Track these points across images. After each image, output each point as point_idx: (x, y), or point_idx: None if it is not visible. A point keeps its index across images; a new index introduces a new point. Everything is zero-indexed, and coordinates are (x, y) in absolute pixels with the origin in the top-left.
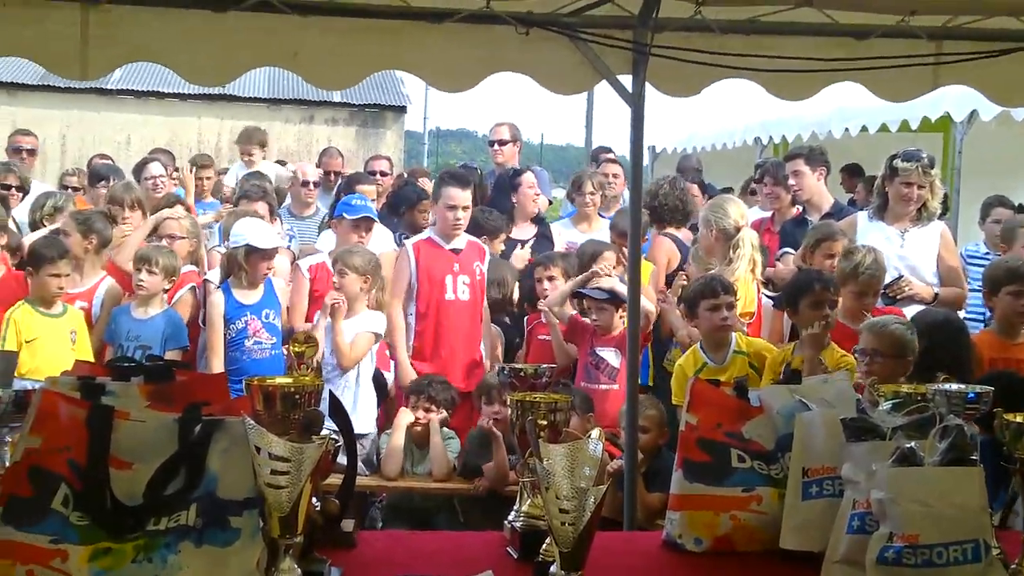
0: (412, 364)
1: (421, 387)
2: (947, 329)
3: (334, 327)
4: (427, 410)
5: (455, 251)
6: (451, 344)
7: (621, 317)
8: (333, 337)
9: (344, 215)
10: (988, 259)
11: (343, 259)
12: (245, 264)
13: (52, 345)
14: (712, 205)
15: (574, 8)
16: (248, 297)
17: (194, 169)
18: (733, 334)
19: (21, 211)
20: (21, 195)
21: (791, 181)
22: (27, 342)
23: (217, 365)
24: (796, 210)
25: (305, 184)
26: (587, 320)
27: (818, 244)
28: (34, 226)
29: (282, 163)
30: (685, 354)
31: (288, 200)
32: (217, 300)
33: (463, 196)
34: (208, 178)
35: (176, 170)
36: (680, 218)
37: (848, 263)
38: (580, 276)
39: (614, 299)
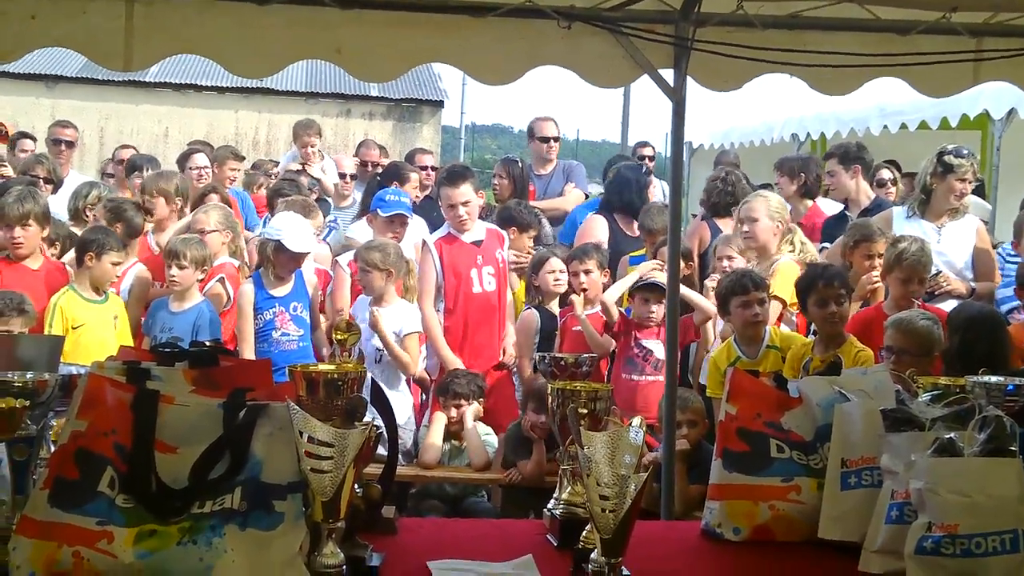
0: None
1: (445, 385)
2: (986, 323)
3: (386, 344)
4: (457, 406)
5: (476, 243)
6: (481, 335)
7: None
8: (391, 354)
9: (378, 211)
10: None
11: (362, 257)
12: (273, 259)
13: (97, 331)
14: (750, 199)
15: (616, 2)
16: (278, 289)
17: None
18: (767, 328)
19: (58, 202)
20: (51, 187)
21: (826, 181)
22: (74, 328)
23: (247, 354)
24: (810, 204)
25: (342, 176)
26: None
27: (857, 244)
28: (75, 214)
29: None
30: (719, 347)
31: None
32: (247, 290)
33: (459, 192)
34: (233, 169)
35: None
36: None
37: (893, 250)
38: (638, 271)
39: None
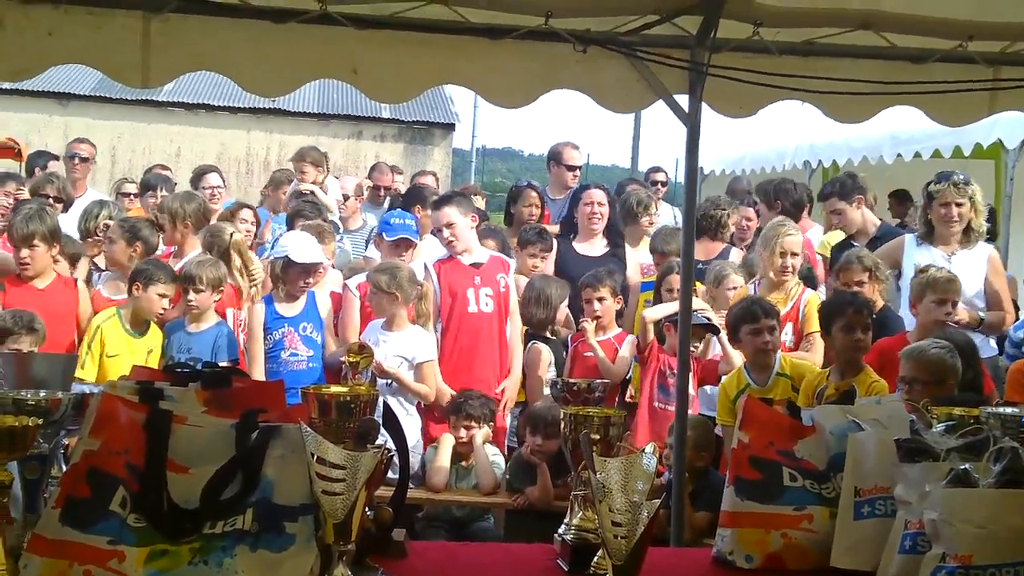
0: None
1: (459, 405)
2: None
3: (402, 383)
4: (467, 428)
5: (476, 265)
6: (479, 357)
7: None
8: (407, 389)
9: (383, 235)
10: None
11: (371, 278)
12: (283, 276)
13: (130, 363)
14: (771, 227)
15: (632, 27)
16: (288, 309)
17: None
18: (777, 356)
19: (69, 220)
20: (60, 206)
21: (834, 220)
22: (109, 356)
23: (257, 374)
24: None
25: (345, 197)
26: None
27: (838, 272)
28: (86, 234)
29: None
30: (728, 375)
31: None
32: (258, 310)
33: (441, 215)
34: (285, 193)
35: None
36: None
37: (922, 276)
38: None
39: (708, 327)
